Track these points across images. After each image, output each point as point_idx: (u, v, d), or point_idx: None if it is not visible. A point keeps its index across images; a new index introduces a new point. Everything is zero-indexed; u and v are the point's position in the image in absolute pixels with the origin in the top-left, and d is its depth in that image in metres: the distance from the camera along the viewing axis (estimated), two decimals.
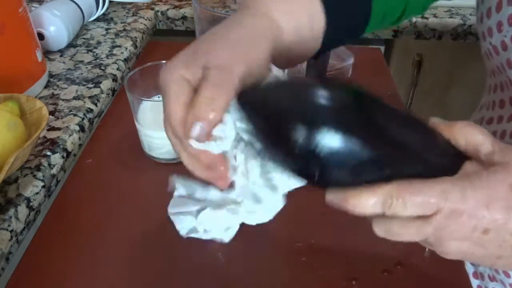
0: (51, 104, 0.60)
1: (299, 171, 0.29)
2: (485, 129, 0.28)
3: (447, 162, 0.29)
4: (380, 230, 0.28)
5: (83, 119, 0.58)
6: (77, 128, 0.56)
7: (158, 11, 0.90)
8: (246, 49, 0.31)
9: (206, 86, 0.28)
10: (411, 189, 0.26)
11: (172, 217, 0.36)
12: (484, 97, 0.54)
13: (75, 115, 0.58)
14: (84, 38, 0.78)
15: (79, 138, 0.56)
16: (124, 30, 0.81)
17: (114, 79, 0.68)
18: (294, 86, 0.30)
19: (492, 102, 0.50)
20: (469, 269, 0.55)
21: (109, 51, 0.73)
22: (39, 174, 0.48)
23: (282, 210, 0.34)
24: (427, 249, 0.30)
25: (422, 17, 0.87)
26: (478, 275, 0.54)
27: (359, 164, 0.27)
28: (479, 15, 0.43)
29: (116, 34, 0.79)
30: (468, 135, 0.28)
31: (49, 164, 0.50)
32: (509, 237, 0.27)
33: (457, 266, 0.42)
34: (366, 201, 0.27)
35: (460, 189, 0.26)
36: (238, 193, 0.33)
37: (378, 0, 0.39)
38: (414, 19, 0.86)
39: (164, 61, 0.55)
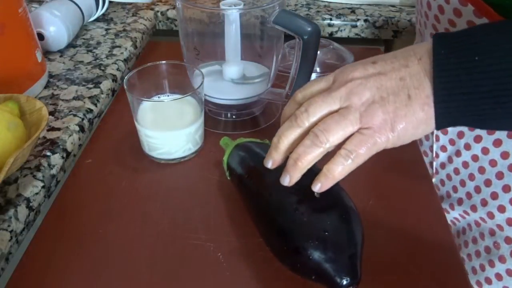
0: (51, 104, 0.60)
1: None
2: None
3: None
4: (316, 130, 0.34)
5: (83, 119, 0.58)
6: (77, 128, 0.56)
7: (158, 11, 0.90)
8: None
9: None
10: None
11: None
12: None
13: (75, 115, 0.58)
14: (84, 39, 0.78)
15: (79, 139, 0.56)
16: (124, 30, 0.81)
17: (114, 80, 0.68)
18: None
19: None
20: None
21: (109, 52, 0.73)
22: (39, 175, 0.48)
23: None
24: None
25: None
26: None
27: None
28: None
29: (116, 35, 0.79)
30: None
31: (49, 165, 0.50)
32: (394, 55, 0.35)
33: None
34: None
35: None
36: None
37: None
38: (414, 19, 0.86)
39: (164, 61, 0.55)
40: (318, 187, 0.35)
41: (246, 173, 0.44)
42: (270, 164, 0.37)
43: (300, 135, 0.35)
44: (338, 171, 0.34)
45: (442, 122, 0.32)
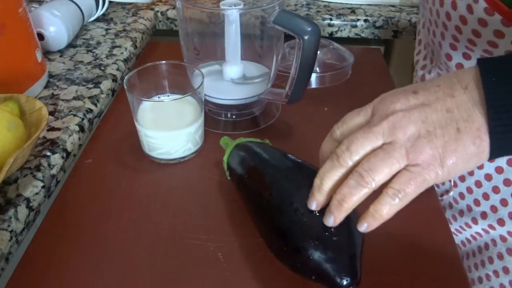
0: (51, 104, 0.60)
1: None
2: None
3: None
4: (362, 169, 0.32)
5: (83, 119, 0.58)
6: (77, 128, 0.56)
7: (158, 11, 0.90)
8: None
9: None
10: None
11: None
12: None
13: (75, 115, 0.58)
14: (84, 39, 0.78)
15: (79, 138, 0.56)
16: (124, 30, 0.81)
17: (114, 80, 0.68)
18: None
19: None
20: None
21: (109, 52, 0.73)
22: (39, 175, 0.48)
23: None
24: None
25: None
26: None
27: None
28: None
29: (116, 35, 0.79)
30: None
31: (49, 165, 0.50)
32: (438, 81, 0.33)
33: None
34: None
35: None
36: None
37: None
38: (413, 19, 0.86)
39: (164, 61, 0.55)
40: (365, 227, 0.33)
41: (246, 173, 0.44)
42: (314, 206, 0.35)
43: (343, 174, 0.34)
44: (385, 211, 0.32)
45: (497, 154, 0.31)
